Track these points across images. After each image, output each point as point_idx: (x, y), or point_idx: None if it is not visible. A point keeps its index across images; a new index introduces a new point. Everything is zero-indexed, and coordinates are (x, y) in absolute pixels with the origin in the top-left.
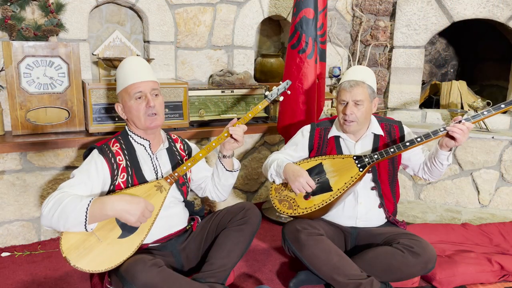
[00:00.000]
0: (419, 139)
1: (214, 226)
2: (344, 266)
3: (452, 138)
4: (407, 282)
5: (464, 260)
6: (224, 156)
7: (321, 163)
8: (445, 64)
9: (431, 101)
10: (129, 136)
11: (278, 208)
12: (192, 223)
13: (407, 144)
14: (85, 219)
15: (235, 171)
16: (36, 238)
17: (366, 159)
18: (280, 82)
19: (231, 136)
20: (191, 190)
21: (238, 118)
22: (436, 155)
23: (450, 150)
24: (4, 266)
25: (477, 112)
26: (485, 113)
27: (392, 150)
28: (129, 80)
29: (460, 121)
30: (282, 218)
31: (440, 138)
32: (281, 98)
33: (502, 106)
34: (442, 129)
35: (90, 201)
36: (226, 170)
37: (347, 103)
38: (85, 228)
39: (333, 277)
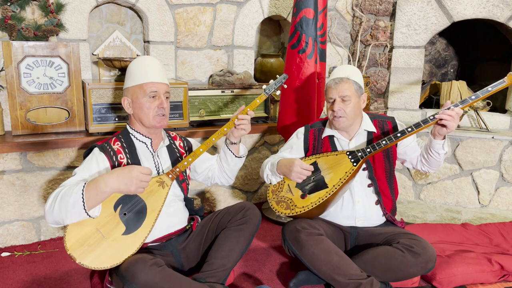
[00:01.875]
0: (409, 129)
1: (214, 225)
2: (344, 266)
3: (443, 125)
4: (407, 282)
5: (464, 260)
6: (231, 143)
7: (315, 161)
8: (445, 64)
9: (431, 101)
10: (130, 134)
11: (276, 210)
12: (192, 223)
13: (398, 135)
14: (83, 202)
15: (243, 156)
16: (36, 238)
17: (359, 153)
18: (277, 76)
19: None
20: (198, 183)
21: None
22: (431, 145)
23: (444, 138)
24: (4, 266)
25: (476, 111)
26: (472, 97)
27: (384, 142)
28: (147, 77)
29: (449, 108)
30: (282, 218)
31: (432, 128)
32: (278, 93)
33: (489, 89)
34: (432, 118)
35: (84, 184)
36: (236, 156)
37: (334, 100)
38: (86, 212)
39: (333, 277)
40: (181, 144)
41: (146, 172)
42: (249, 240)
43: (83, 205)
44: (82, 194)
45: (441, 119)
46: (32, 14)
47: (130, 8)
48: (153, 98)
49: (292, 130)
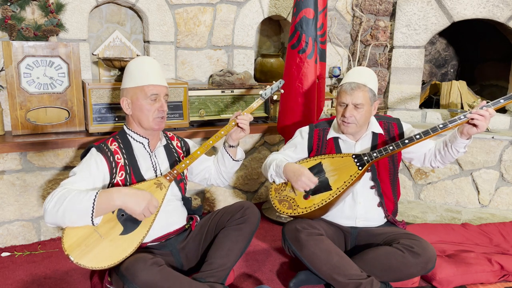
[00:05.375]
0: (418, 136)
1: (213, 225)
2: (344, 266)
3: (474, 124)
4: (407, 282)
5: (464, 260)
6: (230, 146)
7: (320, 162)
8: (445, 64)
9: (431, 101)
10: (128, 135)
11: (278, 209)
12: (191, 222)
13: (406, 141)
14: (92, 210)
15: (240, 160)
16: (36, 238)
17: (365, 158)
18: (273, 82)
19: (237, 125)
20: (194, 183)
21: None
22: (454, 143)
23: (469, 138)
24: (4, 266)
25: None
26: (501, 101)
27: (391, 148)
28: (148, 80)
29: (481, 108)
30: (282, 218)
31: (461, 126)
32: (275, 97)
33: (501, 101)
34: (441, 126)
35: (97, 193)
36: (233, 160)
37: (347, 105)
38: (92, 220)
39: (333, 277)
40: (179, 144)
41: (155, 204)
42: (248, 239)
43: (92, 212)
44: (94, 203)
45: (472, 119)
46: (32, 14)
47: (130, 8)
48: (154, 101)
49: (292, 130)
